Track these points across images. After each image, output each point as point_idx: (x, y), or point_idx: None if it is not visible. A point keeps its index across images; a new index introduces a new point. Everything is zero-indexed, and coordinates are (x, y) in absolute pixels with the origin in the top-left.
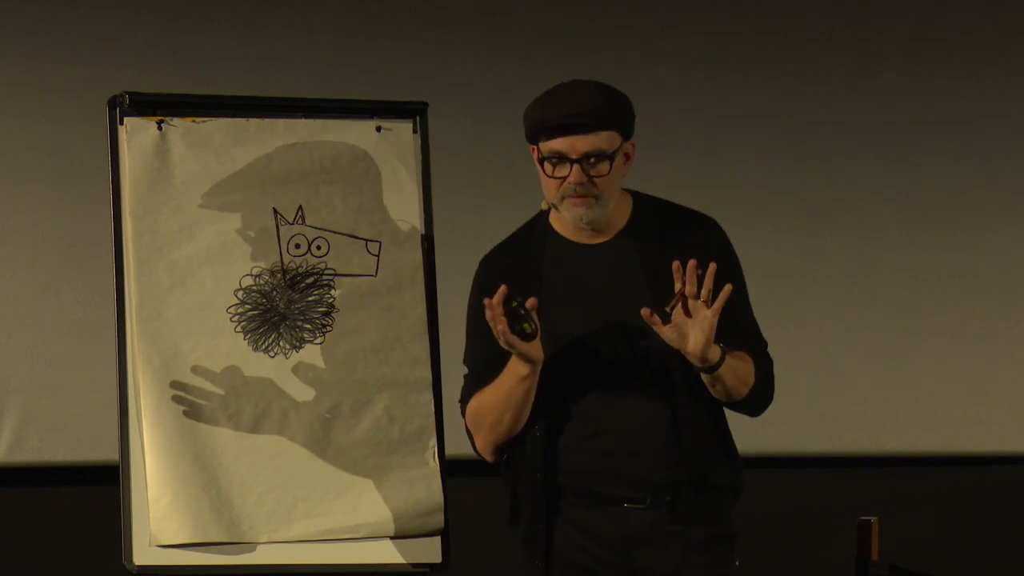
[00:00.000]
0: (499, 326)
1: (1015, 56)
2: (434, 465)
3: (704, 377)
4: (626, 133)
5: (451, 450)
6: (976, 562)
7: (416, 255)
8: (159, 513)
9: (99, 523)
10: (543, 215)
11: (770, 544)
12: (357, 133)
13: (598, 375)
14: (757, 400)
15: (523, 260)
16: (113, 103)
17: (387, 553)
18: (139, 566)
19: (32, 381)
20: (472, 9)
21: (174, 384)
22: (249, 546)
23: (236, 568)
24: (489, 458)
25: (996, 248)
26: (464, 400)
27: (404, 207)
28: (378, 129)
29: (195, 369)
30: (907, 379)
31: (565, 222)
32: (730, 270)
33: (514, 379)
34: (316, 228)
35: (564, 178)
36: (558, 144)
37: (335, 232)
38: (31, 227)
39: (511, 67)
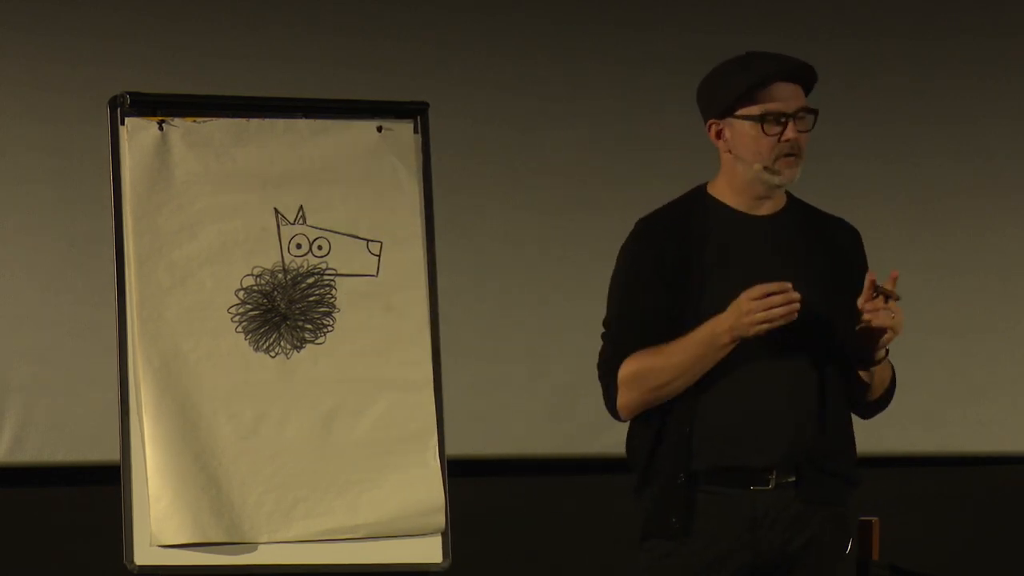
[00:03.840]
0: (784, 315)
1: (1015, 56)
2: (434, 465)
3: (861, 374)
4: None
5: (451, 450)
6: (976, 562)
7: (417, 255)
8: (159, 513)
9: (99, 523)
10: (699, 187)
11: None
12: (358, 133)
13: (755, 345)
14: (881, 404)
15: (688, 221)
16: (114, 103)
17: (387, 553)
18: (139, 566)
19: (32, 381)
20: (472, 9)
21: None
22: (249, 546)
23: (236, 568)
24: (624, 417)
25: (996, 248)
26: (616, 356)
27: (405, 207)
28: (379, 129)
29: None
30: (907, 379)
31: (729, 192)
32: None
33: (710, 348)
34: (317, 228)
35: (779, 135)
36: (776, 100)
37: (336, 232)
38: (31, 227)
39: (511, 67)
